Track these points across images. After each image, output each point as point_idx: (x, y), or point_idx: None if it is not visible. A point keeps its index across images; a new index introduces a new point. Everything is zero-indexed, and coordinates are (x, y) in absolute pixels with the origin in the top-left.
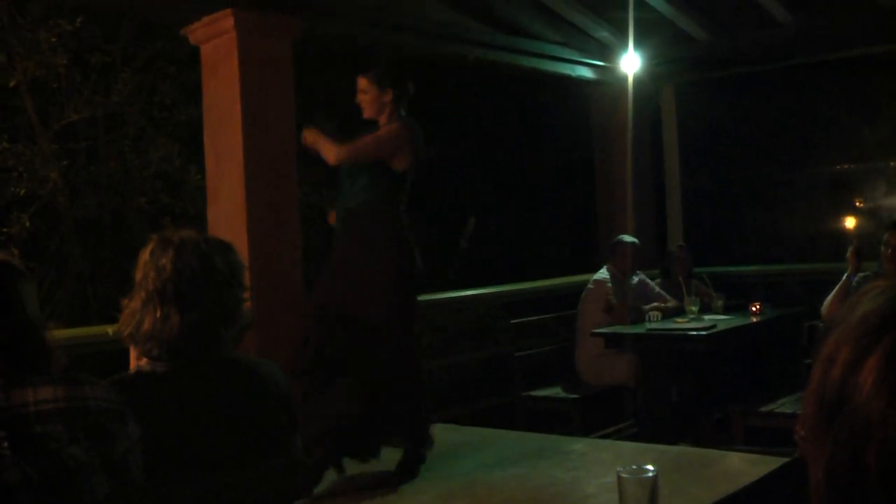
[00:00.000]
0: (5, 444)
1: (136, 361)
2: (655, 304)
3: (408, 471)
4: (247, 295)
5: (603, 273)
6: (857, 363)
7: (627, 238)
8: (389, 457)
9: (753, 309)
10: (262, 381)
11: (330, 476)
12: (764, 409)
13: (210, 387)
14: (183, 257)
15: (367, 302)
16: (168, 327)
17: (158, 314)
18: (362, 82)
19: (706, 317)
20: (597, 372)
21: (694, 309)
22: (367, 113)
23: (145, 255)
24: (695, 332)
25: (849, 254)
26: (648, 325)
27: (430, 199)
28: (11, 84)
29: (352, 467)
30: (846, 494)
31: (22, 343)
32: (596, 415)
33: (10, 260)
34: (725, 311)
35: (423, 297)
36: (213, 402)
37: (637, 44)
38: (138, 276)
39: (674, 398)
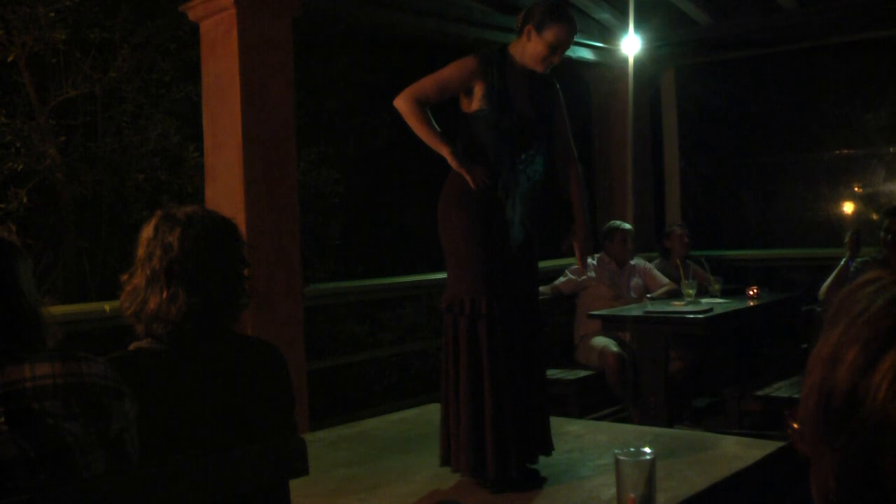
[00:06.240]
0: (2, 419)
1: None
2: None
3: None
4: (247, 272)
5: (590, 260)
6: (868, 366)
7: (625, 225)
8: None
9: (751, 293)
10: (261, 359)
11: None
12: (760, 392)
13: (209, 365)
14: (190, 236)
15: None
16: (175, 307)
17: (165, 294)
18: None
19: (703, 300)
20: (585, 353)
21: (691, 292)
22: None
23: (148, 231)
24: (692, 316)
25: (847, 239)
26: (646, 308)
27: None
28: (9, 59)
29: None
30: (861, 502)
31: (19, 319)
32: (593, 396)
33: (6, 236)
34: (723, 294)
35: (417, 278)
36: (211, 380)
37: (638, 26)
38: (140, 252)
39: (670, 381)
